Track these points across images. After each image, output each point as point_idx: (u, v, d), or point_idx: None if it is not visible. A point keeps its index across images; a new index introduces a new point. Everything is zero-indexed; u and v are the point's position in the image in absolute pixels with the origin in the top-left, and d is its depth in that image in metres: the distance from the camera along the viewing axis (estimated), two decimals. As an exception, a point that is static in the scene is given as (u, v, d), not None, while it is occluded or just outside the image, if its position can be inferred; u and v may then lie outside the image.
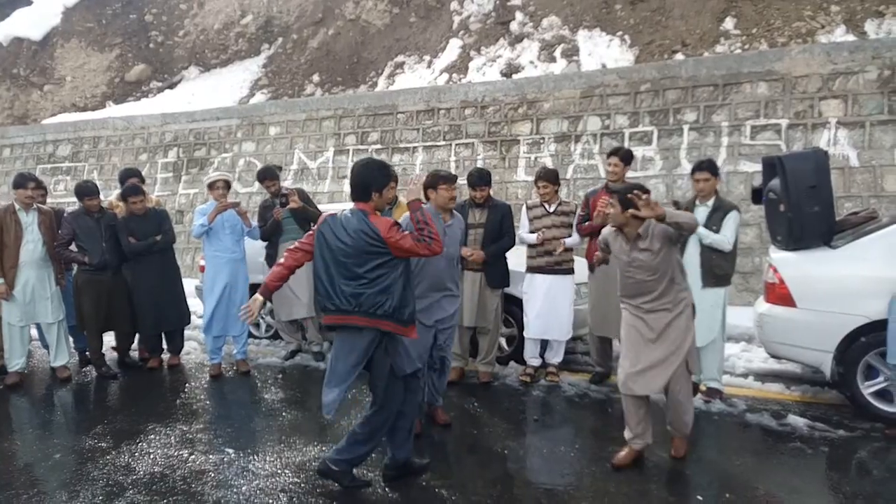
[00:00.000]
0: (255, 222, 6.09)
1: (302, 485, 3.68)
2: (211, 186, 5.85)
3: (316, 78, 13.94)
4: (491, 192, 5.27)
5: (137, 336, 6.25)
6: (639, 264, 3.68)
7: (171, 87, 16.05)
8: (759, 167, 5.25)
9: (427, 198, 4.13)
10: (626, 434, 3.84)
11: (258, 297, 3.48)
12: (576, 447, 4.17)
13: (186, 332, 6.49)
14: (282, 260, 3.59)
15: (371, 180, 3.32)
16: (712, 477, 3.72)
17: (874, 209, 5.27)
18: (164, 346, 6.24)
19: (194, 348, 6.52)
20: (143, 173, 11.01)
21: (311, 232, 3.52)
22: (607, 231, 3.91)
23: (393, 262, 3.28)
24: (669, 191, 7.92)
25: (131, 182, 6.07)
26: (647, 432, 3.80)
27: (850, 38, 8.98)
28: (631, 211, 3.56)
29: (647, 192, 3.59)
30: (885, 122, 7.32)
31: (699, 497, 3.45)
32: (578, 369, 5.70)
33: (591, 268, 5.21)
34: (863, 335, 4.36)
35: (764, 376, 5.36)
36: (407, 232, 3.28)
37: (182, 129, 12.00)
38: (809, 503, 3.40)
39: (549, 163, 8.78)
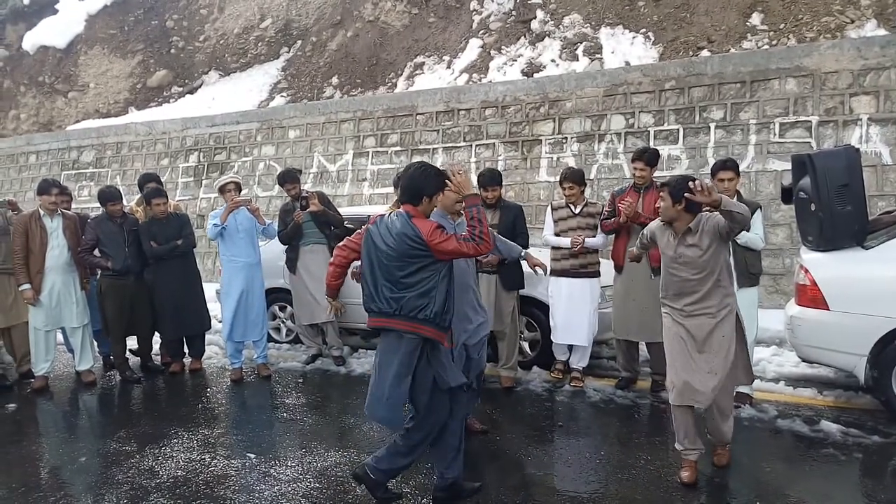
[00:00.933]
0: (271, 222, 6.10)
1: (324, 490, 3.65)
2: (222, 190, 5.89)
3: (335, 80, 13.97)
4: (503, 193, 5.21)
5: (158, 341, 6.29)
6: (685, 260, 3.53)
7: (192, 92, 16.21)
8: (788, 166, 5.11)
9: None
10: (678, 446, 3.67)
11: (331, 300, 3.89)
12: (601, 454, 4.08)
13: (207, 337, 6.52)
14: (332, 259, 3.68)
15: (425, 185, 3.26)
16: (742, 484, 3.61)
17: (909, 208, 5.10)
18: (186, 350, 6.26)
19: (216, 353, 6.54)
20: (165, 178, 11.22)
21: (360, 231, 3.50)
22: (655, 225, 3.77)
23: (435, 266, 3.19)
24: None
25: (152, 186, 6.12)
26: (697, 441, 3.64)
27: (882, 32, 8.75)
28: (686, 195, 3.40)
29: (693, 180, 3.48)
30: (919, 118, 7.11)
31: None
32: (603, 374, 5.61)
33: (619, 268, 5.12)
34: (898, 338, 4.22)
35: (796, 381, 5.22)
36: (451, 233, 3.20)
37: (202, 133, 12.09)
38: (846, 514, 3.29)
39: (571, 163, 8.67)
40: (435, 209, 3.82)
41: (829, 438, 4.11)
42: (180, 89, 16.53)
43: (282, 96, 14.25)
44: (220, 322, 6.19)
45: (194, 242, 6.11)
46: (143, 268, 5.93)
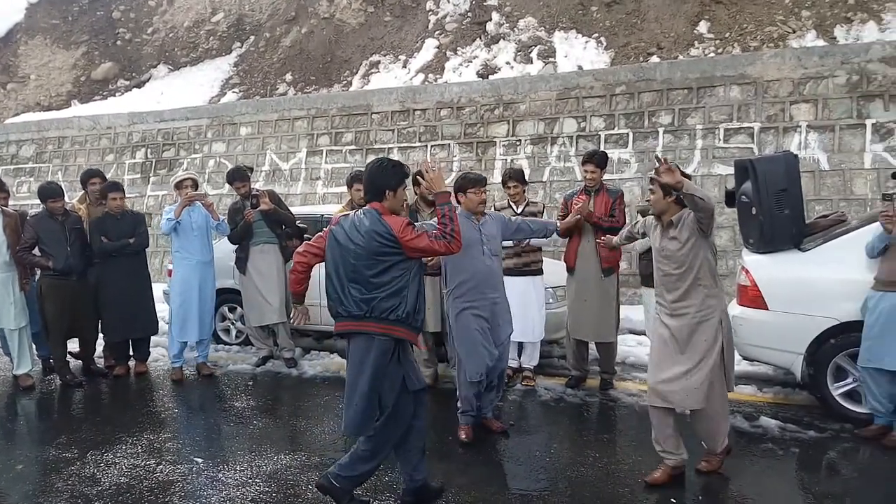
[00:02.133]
0: (224, 219, 6.01)
1: (274, 494, 3.60)
2: (178, 186, 5.80)
3: (289, 77, 13.78)
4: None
5: (102, 343, 6.10)
6: (666, 253, 3.58)
7: (139, 86, 15.73)
8: (732, 170, 5.30)
9: (458, 201, 4.09)
10: (656, 447, 3.66)
11: (300, 306, 3.53)
12: (551, 452, 4.15)
13: (153, 339, 6.33)
14: (293, 265, 3.46)
15: (386, 180, 3.19)
16: (688, 481, 3.71)
17: (843, 212, 5.34)
18: (131, 353, 6.08)
19: (162, 355, 6.36)
20: (110, 174, 10.85)
21: (321, 234, 3.39)
22: (649, 219, 3.81)
23: (406, 265, 3.13)
24: (644, 194, 7.96)
25: (94, 180, 5.94)
26: (678, 447, 3.60)
27: (821, 43, 9.14)
28: (651, 175, 3.46)
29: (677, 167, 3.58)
30: (854, 126, 7.45)
31: (672, 500, 3.45)
32: (554, 373, 5.69)
33: (570, 270, 5.20)
34: (832, 337, 4.41)
35: (737, 378, 5.38)
36: (423, 231, 3.15)
37: (150, 129, 11.76)
38: (781, 505, 3.43)
39: (525, 165, 8.77)
40: (460, 209, 3.83)
41: (767, 434, 4.27)
42: (127, 83, 16.01)
43: (233, 92, 13.96)
44: (167, 323, 6.02)
45: (147, 242, 5.95)
46: (87, 267, 5.74)
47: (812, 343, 4.46)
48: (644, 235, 3.95)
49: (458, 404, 4.27)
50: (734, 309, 4.88)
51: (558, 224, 4.44)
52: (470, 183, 4.10)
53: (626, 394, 5.09)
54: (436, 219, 3.27)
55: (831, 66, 7.63)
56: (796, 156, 4.86)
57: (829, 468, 3.93)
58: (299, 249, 3.43)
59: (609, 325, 5.14)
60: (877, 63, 7.46)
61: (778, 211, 4.57)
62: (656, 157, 3.49)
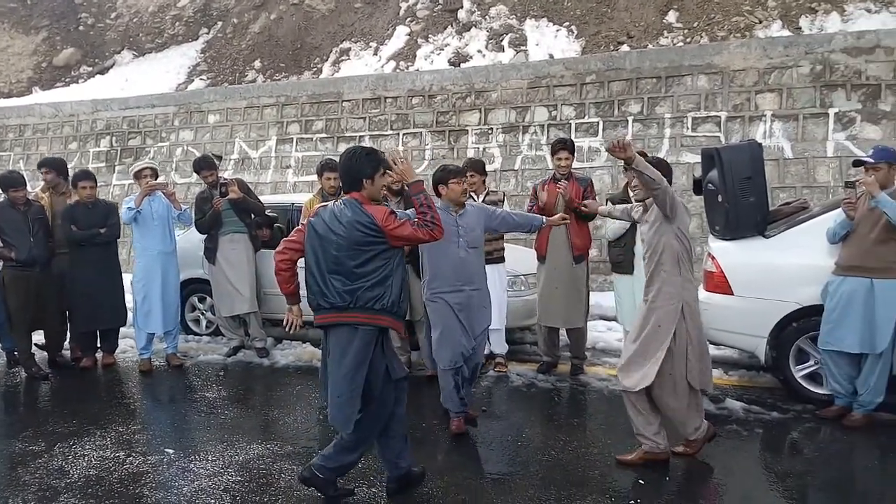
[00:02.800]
0: (187, 208, 5.95)
1: (246, 484, 3.58)
2: (137, 175, 5.69)
3: (257, 64, 13.57)
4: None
5: (69, 335, 5.98)
6: (642, 237, 3.71)
7: (103, 72, 15.33)
8: (699, 158, 5.39)
9: (438, 193, 4.06)
10: (634, 430, 3.70)
11: (293, 307, 3.42)
12: (523, 436, 4.20)
13: (122, 330, 6.23)
14: (276, 265, 3.32)
15: (360, 168, 3.14)
16: (654, 463, 3.78)
17: (805, 199, 5.48)
18: (98, 344, 5.98)
19: (130, 346, 6.26)
20: (73, 163, 10.61)
21: (299, 228, 3.33)
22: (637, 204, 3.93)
23: (389, 253, 3.11)
24: (615, 182, 8.05)
25: (49, 167, 5.82)
26: (657, 434, 3.60)
27: (786, 33, 9.31)
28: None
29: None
30: (817, 116, 7.63)
31: (641, 481, 3.53)
32: (526, 359, 5.75)
33: (542, 258, 5.25)
34: (794, 321, 4.54)
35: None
36: (404, 219, 3.13)
37: (115, 116, 11.49)
38: (744, 483, 3.52)
39: (497, 153, 8.82)
40: (438, 201, 3.80)
41: (732, 415, 4.39)
42: (90, 69, 15.60)
43: (201, 79, 13.71)
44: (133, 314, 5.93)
45: (118, 233, 5.83)
46: (50, 258, 5.61)
47: (775, 327, 4.59)
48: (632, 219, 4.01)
49: (441, 400, 4.25)
50: (700, 294, 4.98)
51: (545, 221, 4.41)
52: (451, 174, 4.07)
53: (597, 378, 5.18)
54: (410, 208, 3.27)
55: (795, 57, 7.78)
56: (760, 144, 4.96)
57: (791, 448, 4.05)
58: (279, 248, 3.33)
59: (579, 312, 5.22)
60: (839, 53, 7.63)
61: (743, 198, 4.67)
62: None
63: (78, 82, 15.24)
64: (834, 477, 3.63)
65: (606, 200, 5.12)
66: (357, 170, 3.15)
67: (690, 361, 3.52)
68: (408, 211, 3.70)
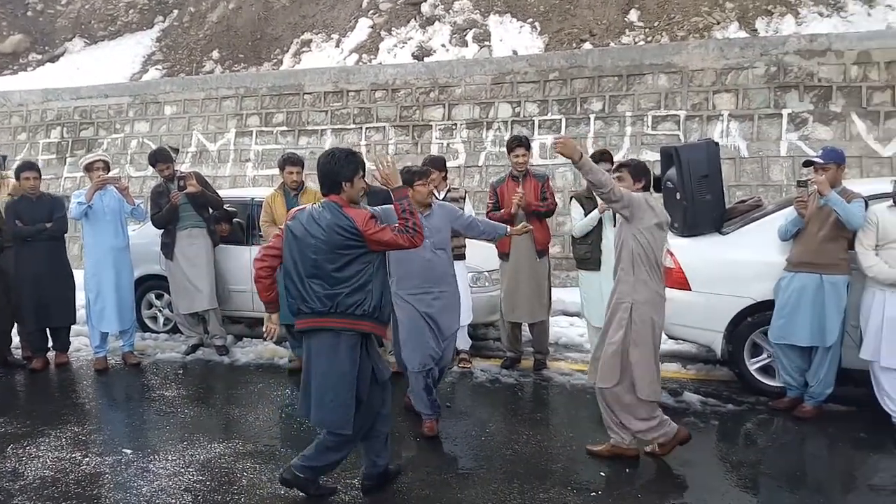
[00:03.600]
0: (140, 203, 5.77)
1: (207, 483, 3.54)
2: (88, 168, 5.49)
3: (216, 54, 13.28)
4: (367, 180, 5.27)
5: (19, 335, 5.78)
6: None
7: (53, 60, 14.80)
8: (659, 156, 5.49)
9: None
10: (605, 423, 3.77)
11: (272, 316, 3.36)
12: (486, 431, 4.23)
13: (76, 328, 6.04)
14: (255, 272, 3.27)
15: (339, 170, 3.08)
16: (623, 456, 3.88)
17: (759, 198, 5.64)
18: (50, 343, 5.78)
19: (84, 345, 6.08)
20: (22, 155, 10.23)
21: (277, 233, 3.25)
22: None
23: (368, 257, 3.06)
24: (577, 179, 8.15)
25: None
26: (621, 432, 3.64)
27: (743, 34, 9.56)
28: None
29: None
30: (772, 116, 7.86)
31: (602, 473, 3.60)
32: (490, 355, 5.79)
33: (504, 255, 5.29)
34: (749, 315, 4.68)
35: (663, 356, 5.62)
36: (385, 224, 3.09)
37: (66, 106, 11.11)
38: (700, 474, 3.62)
39: (461, 149, 8.84)
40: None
41: (690, 408, 4.50)
42: (39, 57, 15.03)
43: (156, 69, 13.35)
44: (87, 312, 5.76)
45: (66, 227, 5.64)
46: (-2, 252, 5.41)
47: (731, 321, 4.72)
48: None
49: (413, 403, 4.21)
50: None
51: (508, 229, 4.36)
52: (415, 175, 4.00)
53: (559, 373, 5.25)
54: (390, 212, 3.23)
55: (751, 58, 8.00)
56: (717, 144, 5.10)
57: (746, 438, 4.19)
58: (257, 255, 3.27)
59: (542, 306, 5.28)
60: (793, 56, 7.88)
61: (700, 196, 4.78)
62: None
63: (27, 70, 14.68)
64: (786, 466, 3.76)
65: (571, 198, 5.18)
66: (336, 172, 3.09)
67: (632, 365, 3.56)
68: (383, 207, 3.69)
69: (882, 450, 3.89)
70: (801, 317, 4.22)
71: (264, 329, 3.44)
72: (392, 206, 3.26)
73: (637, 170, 3.70)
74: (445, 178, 5.35)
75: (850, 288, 4.20)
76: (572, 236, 5.12)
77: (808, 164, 4.37)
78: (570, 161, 3.52)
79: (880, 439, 3.98)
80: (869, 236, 4.03)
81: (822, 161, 4.20)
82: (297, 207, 3.28)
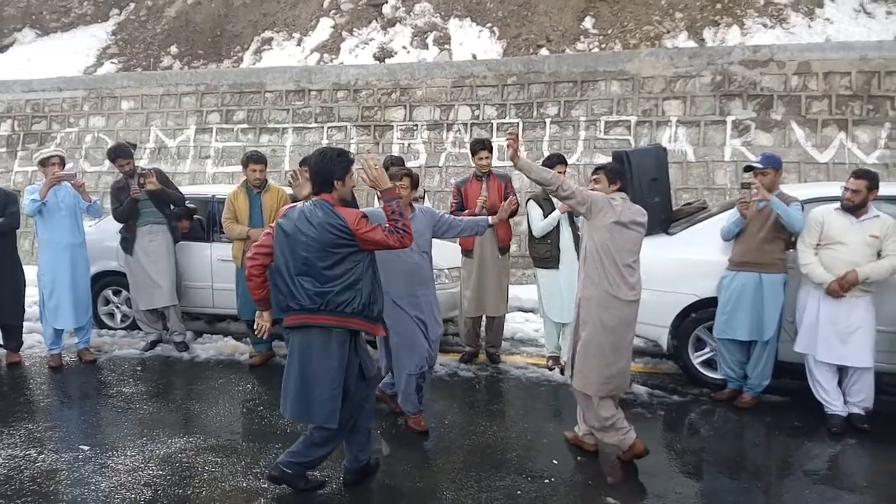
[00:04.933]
0: (96, 200, 5.70)
1: (168, 477, 3.57)
2: (44, 163, 5.37)
3: (174, 49, 13.08)
4: None
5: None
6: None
7: (2, 50, 14.33)
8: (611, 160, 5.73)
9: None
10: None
11: (264, 314, 3.39)
12: (445, 423, 4.36)
13: (29, 325, 5.94)
14: (247, 271, 3.33)
15: (331, 169, 3.11)
16: (560, 442, 4.05)
17: (705, 200, 5.94)
18: (1, 342, 5.67)
19: (38, 341, 5.98)
20: (-29, 147, 9.92)
21: (268, 231, 3.27)
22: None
23: (358, 256, 3.11)
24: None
25: None
26: (581, 424, 3.81)
27: (691, 44, 9.93)
28: (596, 165, 3.69)
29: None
30: (717, 122, 8.23)
31: (555, 461, 3.78)
32: (449, 350, 5.92)
33: (468, 253, 5.43)
34: (693, 311, 4.93)
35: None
36: (376, 224, 3.13)
37: (17, 98, 10.80)
38: (647, 461, 3.79)
39: (422, 150, 8.96)
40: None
41: (638, 399, 4.73)
42: (-14, 47, 14.53)
43: (112, 62, 13.06)
44: (40, 308, 5.66)
45: (18, 223, 5.53)
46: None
47: (676, 317, 4.96)
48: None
49: (401, 404, 4.25)
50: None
51: (489, 221, 4.38)
52: (392, 178, 3.88)
53: (515, 367, 5.43)
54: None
55: (698, 67, 8.35)
56: (665, 149, 5.36)
57: (690, 428, 4.42)
58: (249, 254, 3.31)
59: (503, 301, 5.47)
60: (737, 65, 8.26)
61: (649, 198, 5.00)
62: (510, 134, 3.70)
63: (-28, 60, 14.16)
64: (727, 453, 3.99)
65: (528, 200, 5.33)
66: (329, 171, 3.13)
67: (575, 359, 3.71)
68: (370, 209, 3.75)
69: (815, 437, 4.15)
70: (742, 313, 4.47)
71: (255, 327, 3.47)
72: (381, 208, 3.32)
73: (613, 172, 3.77)
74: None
75: (787, 286, 4.47)
76: (531, 236, 5.27)
77: (748, 168, 4.63)
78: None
79: (814, 427, 4.25)
80: (812, 235, 4.24)
81: (761, 166, 4.46)
82: (289, 206, 3.30)
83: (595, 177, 3.83)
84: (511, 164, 3.62)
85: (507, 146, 3.60)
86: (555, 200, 5.17)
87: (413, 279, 4.03)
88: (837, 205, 4.25)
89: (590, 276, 3.66)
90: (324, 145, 9.28)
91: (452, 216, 4.41)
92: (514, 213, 5.28)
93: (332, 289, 3.08)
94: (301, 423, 3.35)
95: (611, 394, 3.68)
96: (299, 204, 3.28)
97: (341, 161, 3.16)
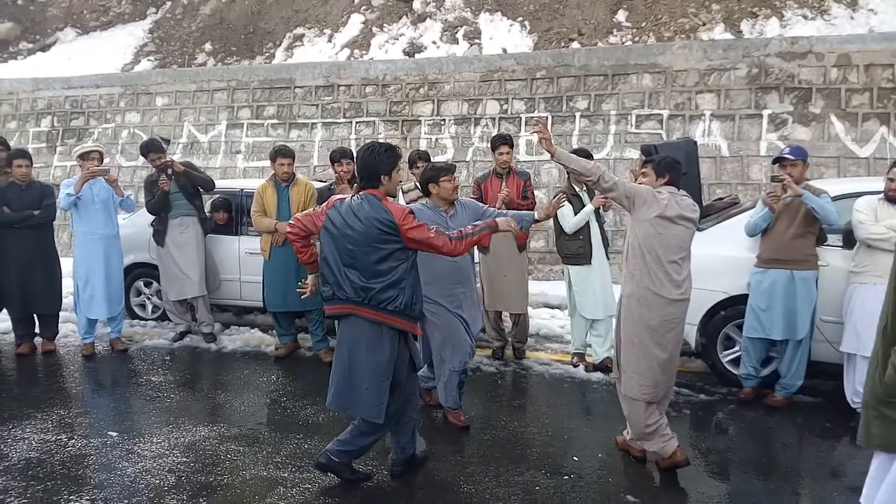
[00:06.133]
0: (130, 194, 5.85)
1: (191, 464, 3.63)
2: (84, 157, 5.52)
3: (208, 47, 13.30)
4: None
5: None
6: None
7: (44, 49, 14.76)
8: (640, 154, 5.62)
9: (427, 192, 3.92)
10: None
11: (310, 277, 3.42)
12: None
13: (64, 314, 6.10)
14: (288, 237, 3.37)
15: (378, 165, 3.12)
16: (588, 440, 4.02)
17: (736, 196, 5.79)
18: (38, 330, 5.84)
19: (72, 331, 6.15)
20: (13, 143, 10.22)
21: (309, 212, 3.28)
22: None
23: (403, 254, 3.11)
24: (562, 175, 8.27)
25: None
26: (629, 427, 3.66)
27: (728, 36, 9.70)
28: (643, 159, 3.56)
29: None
30: (752, 116, 8.01)
31: (575, 458, 3.73)
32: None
33: (484, 249, 5.40)
34: (723, 309, 4.81)
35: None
36: (423, 223, 3.13)
37: (57, 95, 11.11)
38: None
39: (449, 144, 8.95)
40: (427, 201, 3.77)
41: (664, 397, 4.64)
42: (30, 45, 14.99)
43: (148, 60, 13.35)
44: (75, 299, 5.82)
45: (54, 215, 5.70)
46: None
47: (705, 315, 4.85)
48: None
49: (441, 401, 4.21)
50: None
51: (535, 216, 4.14)
52: (442, 172, 3.88)
53: (539, 363, 5.38)
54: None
55: (733, 59, 8.15)
56: (695, 142, 5.23)
57: (716, 427, 4.32)
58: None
59: (525, 297, 5.43)
60: (774, 57, 8.03)
61: (678, 193, 4.90)
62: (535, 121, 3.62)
63: (17, 59, 14.62)
64: (753, 453, 3.89)
65: (560, 193, 5.22)
66: (375, 166, 3.14)
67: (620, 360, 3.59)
68: (417, 203, 3.77)
69: (847, 440, 4.00)
70: (775, 311, 4.35)
71: (299, 288, 3.53)
72: (422, 206, 3.45)
73: (661, 165, 3.59)
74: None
75: (819, 283, 4.34)
76: (560, 233, 5.15)
77: (776, 160, 4.49)
78: (544, 157, 3.59)
79: (846, 429, 4.08)
80: (869, 214, 4.05)
81: (792, 157, 4.33)
82: (337, 197, 3.30)
83: (643, 170, 3.70)
84: (548, 155, 3.52)
85: (539, 139, 3.50)
86: (583, 196, 5.10)
87: (454, 278, 3.97)
88: (880, 195, 4.11)
89: (630, 272, 3.52)
90: (352, 140, 9.36)
91: (496, 209, 4.26)
92: (531, 209, 5.21)
93: (377, 285, 3.08)
94: (346, 414, 3.34)
95: (654, 399, 3.51)
96: (347, 196, 3.26)
97: (389, 156, 3.17)
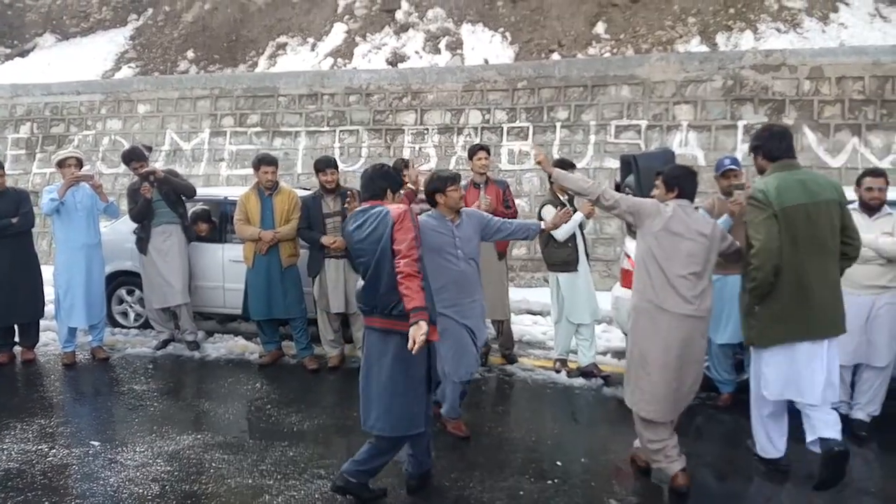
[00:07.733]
0: (113, 201, 5.85)
1: (175, 473, 3.63)
2: (61, 164, 5.50)
3: (190, 54, 13.27)
4: (340, 179, 5.39)
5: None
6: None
7: (23, 55, 14.61)
8: (619, 164, 5.73)
9: (434, 202, 3.86)
10: None
11: (423, 324, 2.96)
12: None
13: (44, 323, 6.04)
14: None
15: (387, 183, 3.31)
16: (571, 446, 4.09)
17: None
18: (17, 339, 5.78)
19: (52, 339, 6.09)
20: (-9, 150, 10.14)
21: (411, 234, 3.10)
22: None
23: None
24: (543, 184, 8.39)
25: None
26: (639, 439, 3.60)
27: (704, 48, 9.92)
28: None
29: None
30: (728, 127, 8.20)
31: (559, 463, 3.79)
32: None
33: (500, 255, 5.48)
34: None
35: (620, 353, 5.87)
36: (413, 233, 3.08)
37: (36, 102, 11.01)
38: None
39: (432, 153, 9.02)
40: (433, 211, 3.81)
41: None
42: (8, 51, 14.83)
43: (129, 67, 13.28)
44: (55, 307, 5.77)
45: (32, 222, 5.65)
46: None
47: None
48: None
49: (443, 411, 4.18)
50: (617, 290, 5.33)
51: (542, 225, 4.21)
52: (448, 181, 3.82)
53: (521, 369, 5.44)
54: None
55: (709, 71, 8.34)
56: (673, 152, 5.36)
57: (695, 432, 4.36)
58: (412, 256, 3.05)
59: (506, 304, 5.49)
60: (749, 70, 8.23)
61: (656, 202, 5.01)
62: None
63: (-6, 65, 14.46)
64: (735, 456, 3.97)
65: (543, 205, 5.25)
66: (385, 183, 3.29)
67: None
68: (423, 215, 3.80)
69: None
70: (726, 316, 4.41)
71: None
72: (428, 217, 3.76)
73: (670, 178, 3.48)
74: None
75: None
76: (549, 241, 5.18)
77: (725, 172, 4.60)
78: (537, 166, 3.67)
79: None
80: None
81: (737, 168, 4.48)
82: (360, 209, 3.27)
83: (656, 182, 3.64)
84: (529, 163, 3.66)
85: (536, 161, 3.65)
86: (576, 202, 5.16)
87: (460, 288, 3.88)
88: (854, 205, 4.21)
89: (635, 285, 3.50)
90: (335, 149, 9.39)
91: (502, 219, 4.22)
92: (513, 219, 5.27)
93: (378, 289, 3.07)
94: (389, 435, 3.21)
95: (658, 419, 3.40)
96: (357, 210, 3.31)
97: (396, 178, 3.41)
